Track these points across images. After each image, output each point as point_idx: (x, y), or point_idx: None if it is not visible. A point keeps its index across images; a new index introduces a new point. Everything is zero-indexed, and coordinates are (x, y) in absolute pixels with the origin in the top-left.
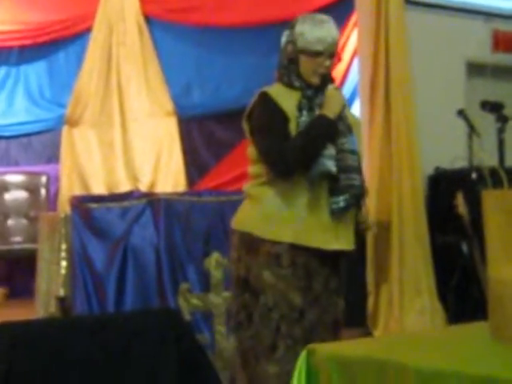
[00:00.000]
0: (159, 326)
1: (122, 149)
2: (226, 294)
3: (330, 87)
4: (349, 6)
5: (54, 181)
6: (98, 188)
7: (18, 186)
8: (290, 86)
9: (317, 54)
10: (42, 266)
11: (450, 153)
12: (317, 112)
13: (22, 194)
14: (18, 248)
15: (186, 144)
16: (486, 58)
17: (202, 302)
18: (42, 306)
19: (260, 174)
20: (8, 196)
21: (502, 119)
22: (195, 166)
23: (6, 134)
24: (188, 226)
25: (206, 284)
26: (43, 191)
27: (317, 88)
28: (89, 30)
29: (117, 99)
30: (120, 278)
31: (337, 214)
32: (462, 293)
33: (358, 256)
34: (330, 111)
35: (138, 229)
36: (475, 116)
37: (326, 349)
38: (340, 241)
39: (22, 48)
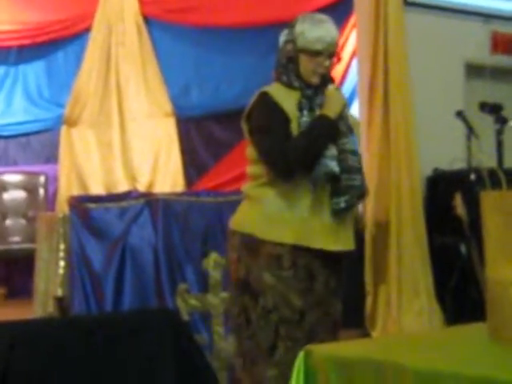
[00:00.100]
0: (157, 326)
1: (121, 149)
2: (224, 294)
3: (330, 87)
4: (348, 7)
5: (52, 181)
6: (97, 188)
7: (17, 186)
8: (289, 85)
9: (316, 54)
10: (40, 266)
11: (449, 154)
12: (317, 112)
13: (20, 194)
14: (16, 248)
15: (184, 144)
16: (484, 59)
17: (200, 303)
18: (40, 306)
19: (260, 175)
20: (6, 196)
21: (501, 121)
22: (194, 167)
23: (5, 133)
24: (186, 226)
25: (204, 284)
26: (41, 191)
27: (316, 88)
28: (88, 30)
29: (115, 99)
30: (118, 277)
31: (338, 215)
32: (460, 294)
33: (356, 256)
34: (331, 111)
35: (136, 229)
36: (474, 117)
37: (323, 349)
38: (341, 241)
39: (21, 48)
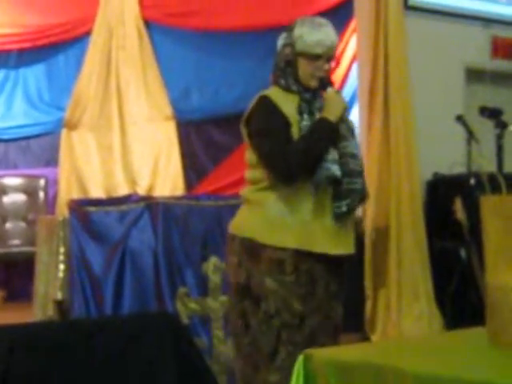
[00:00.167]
0: (157, 330)
1: (121, 152)
2: (224, 298)
3: (330, 90)
4: (348, 12)
5: (52, 184)
6: (97, 191)
7: (17, 189)
8: (287, 89)
9: (315, 57)
10: (40, 269)
11: (449, 158)
12: (317, 116)
13: (20, 197)
14: (16, 251)
15: (184, 148)
16: (484, 64)
17: (200, 306)
18: (39, 309)
19: (260, 179)
20: (6, 199)
21: (501, 125)
22: (194, 170)
23: (5, 137)
24: (186, 229)
25: (203, 288)
26: (41, 194)
27: (314, 91)
28: (88, 33)
29: (116, 103)
30: (118, 281)
31: (340, 219)
32: (459, 298)
33: (356, 260)
34: (331, 114)
35: (136, 232)
36: (474, 122)
37: (323, 354)
38: (342, 245)
39: (21, 51)
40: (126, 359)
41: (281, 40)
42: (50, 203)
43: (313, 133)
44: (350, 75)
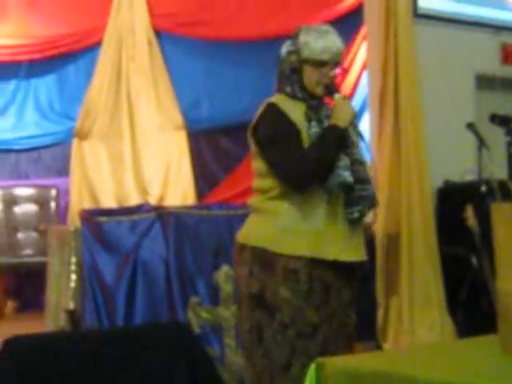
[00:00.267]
0: (169, 340)
1: (132, 162)
2: (236, 307)
3: (338, 96)
4: (358, 20)
5: (63, 194)
6: (108, 201)
7: (28, 200)
8: (292, 96)
9: (321, 64)
10: (51, 279)
11: (460, 166)
12: (326, 123)
13: (31, 207)
14: (27, 261)
15: (195, 157)
16: (495, 71)
17: (212, 316)
18: (51, 319)
19: (270, 188)
20: (18, 209)
21: (511, 133)
22: (204, 179)
23: (16, 147)
24: (197, 239)
25: (215, 297)
26: (53, 204)
27: (320, 98)
28: (99, 43)
29: (126, 113)
30: (130, 291)
31: (352, 225)
32: (471, 306)
33: (368, 268)
34: (341, 121)
35: (147, 242)
36: (484, 129)
37: (335, 362)
38: (355, 252)
39: (32, 62)
40: (137, 369)
41: (285, 47)
42: (62, 213)
43: (323, 140)
44: (360, 83)
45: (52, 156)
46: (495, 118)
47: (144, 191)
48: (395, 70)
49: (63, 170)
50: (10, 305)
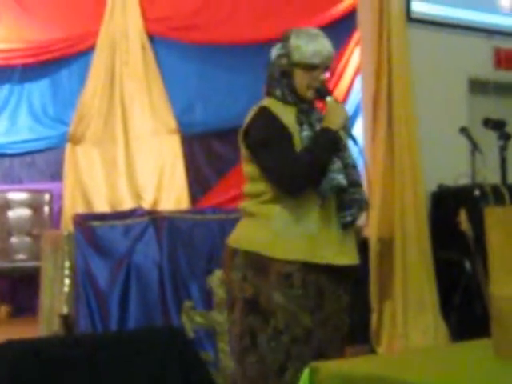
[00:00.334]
0: (162, 344)
1: (125, 166)
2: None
3: (330, 100)
4: (351, 24)
5: (57, 198)
6: (101, 206)
7: (22, 204)
8: (283, 100)
9: (312, 68)
10: (45, 284)
11: (453, 170)
12: (317, 127)
13: (25, 212)
14: (21, 266)
15: (188, 162)
16: (488, 75)
17: (206, 320)
18: (45, 324)
19: (262, 192)
20: (11, 214)
21: (505, 137)
22: (198, 184)
23: (10, 151)
24: (191, 243)
25: (209, 302)
26: (46, 209)
27: (310, 102)
28: (92, 48)
29: (120, 117)
30: (123, 295)
31: (345, 229)
32: (465, 310)
33: (361, 272)
34: (333, 124)
35: (140, 246)
36: (478, 133)
37: (329, 366)
38: (348, 255)
39: (26, 66)
40: (131, 373)
41: (275, 50)
42: (55, 218)
43: (316, 144)
44: (353, 87)
45: (45, 160)
46: (488, 122)
47: (138, 196)
48: (388, 75)
49: (57, 175)
50: (4, 309)
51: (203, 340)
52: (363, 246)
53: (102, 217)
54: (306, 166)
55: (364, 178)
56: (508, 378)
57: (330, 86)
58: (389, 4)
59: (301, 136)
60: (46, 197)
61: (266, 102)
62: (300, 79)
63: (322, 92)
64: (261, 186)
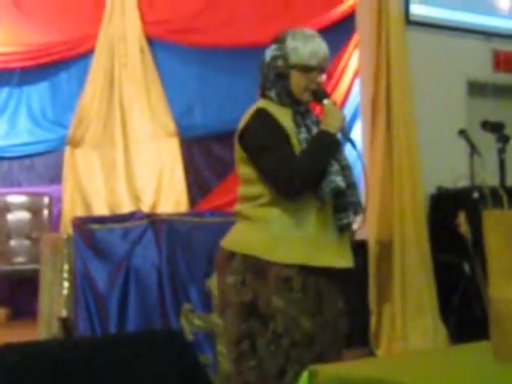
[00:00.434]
0: (161, 347)
1: (124, 169)
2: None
3: (327, 102)
4: (350, 27)
5: (56, 202)
6: (101, 209)
7: (21, 207)
8: (278, 102)
9: (309, 70)
10: (44, 287)
11: (452, 172)
12: (314, 129)
13: (24, 215)
14: (20, 268)
15: (187, 164)
16: (486, 77)
17: (205, 323)
18: (44, 327)
19: (260, 195)
20: (10, 217)
21: (503, 139)
22: (197, 187)
23: (9, 154)
24: (190, 246)
25: (208, 304)
26: (46, 212)
27: (306, 104)
28: (91, 51)
29: (119, 120)
30: (122, 298)
31: (342, 231)
32: (464, 312)
33: (360, 275)
34: (331, 126)
35: (139, 249)
36: (476, 135)
37: (328, 369)
38: (345, 258)
39: (25, 69)
40: (130, 376)
41: (270, 52)
42: (54, 221)
43: (315, 147)
44: (352, 90)
45: (45, 164)
46: (487, 125)
47: (137, 199)
48: (387, 77)
49: (56, 178)
50: (3, 312)
51: (202, 343)
52: (362, 248)
53: (101, 220)
54: (305, 169)
55: (363, 180)
56: (507, 381)
57: (329, 88)
58: (387, 6)
59: (299, 138)
60: (45, 200)
61: (262, 103)
62: (296, 81)
63: (319, 94)
64: (258, 189)
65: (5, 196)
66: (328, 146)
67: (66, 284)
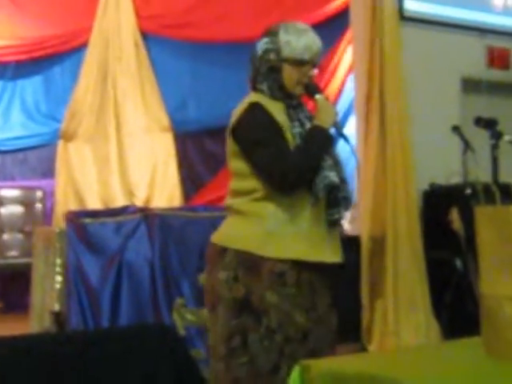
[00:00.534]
0: (153, 341)
1: (118, 163)
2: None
3: (320, 97)
4: (344, 22)
5: (49, 195)
6: (94, 203)
7: (14, 201)
8: (270, 95)
9: (302, 63)
10: (36, 281)
11: (445, 168)
12: (307, 124)
13: (17, 209)
14: (13, 262)
15: (181, 159)
16: (480, 74)
17: (197, 317)
18: (36, 321)
19: (253, 189)
20: (4, 210)
21: (496, 136)
22: (191, 181)
23: (2, 148)
24: (183, 241)
25: (200, 299)
26: (39, 206)
27: (298, 98)
28: (85, 45)
29: (112, 114)
30: (115, 292)
31: (333, 226)
32: (456, 308)
33: (353, 270)
34: (324, 121)
35: (132, 244)
36: (470, 131)
37: (320, 365)
38: (335, 253)
39: (18, 63)
40: (122, 371)
41: (262, 45)
42: (47, 215)
43: (309, 142)
44: (346, 86)
45: (38, 157)
46: (480, 121)
47: (130, 193)
48: (381, 73)
49: (49, 172)
50: None
51: (194, 337)
52: (355, 244)
53: (93, 214)
54: (299, 164)
55: (356, 176)
56: (498, 377)
57: (322, 84)
58: (382, 2)
59: (292, 133)
60: (39, 194)
61: (255, 97)
62: (289, 75)
63: (311, 88)
64: (251, 183)
65: None
66: (322, 142)
67: (58, 278)
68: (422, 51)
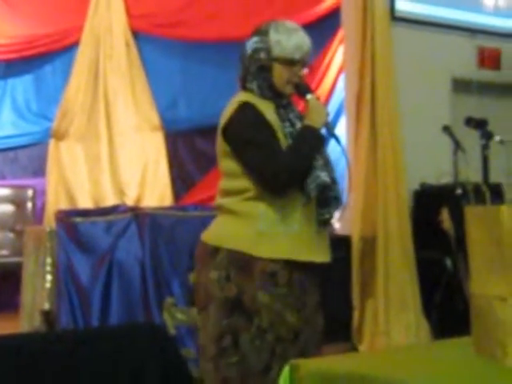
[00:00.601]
0: (143, 341)
1: (109, 163)
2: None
3: (311, 97)
4: (335, 22)
5: (40, 194)
6: (85, 202)
7: (4, 200)
8: (260, 95)
9: (292, 63)
10: (26, 280)
11: (436, 168)
12: (297, 123)
13: (8, 208)
14: (3, 261)
15: (172, 158)
16: (471, 74)
17: (187, 317)
18: (26, 320)
19: (246, 189)
20: None
21: (486, 136)
22: (182, 180)
23: None
24: (173, 240)
25: (190, 298)
26: (29, 205)
27: (288, 97)
28: (76, 43)
29: (104, 113)
30: (105, 292)
31: (323, 226)
32: (446, 308)
33: (344, 270)
34: (316, 121)
35: (123, 243)
36: (461, 132)
37: (309, 364)
38: (324, 253)
39: (9, 62)
40: (112, 370)
41: (252, 44)
42: (38, 214)
43: (300, 142)
44: (336, 86)
45: (29, 156)
46: (471, 121)
47: (121, 192)
48: (372, 73)
49: (40, 171)
50: None
51: (185, 336)
52: (346, 244)
53: (84, 213)
54: (290, 164)
55: (346, 176)
56: (488, 376)
57: (313, 84)
58: (373, 2)
59: (284, 132)
60: (29, 193)
61: (244, 96)
62: (279, 74)
63: (302, 88)
64: (242, 183)
65: None
66: (314, 142)
67: (48, 277)
68: (413, 51)
